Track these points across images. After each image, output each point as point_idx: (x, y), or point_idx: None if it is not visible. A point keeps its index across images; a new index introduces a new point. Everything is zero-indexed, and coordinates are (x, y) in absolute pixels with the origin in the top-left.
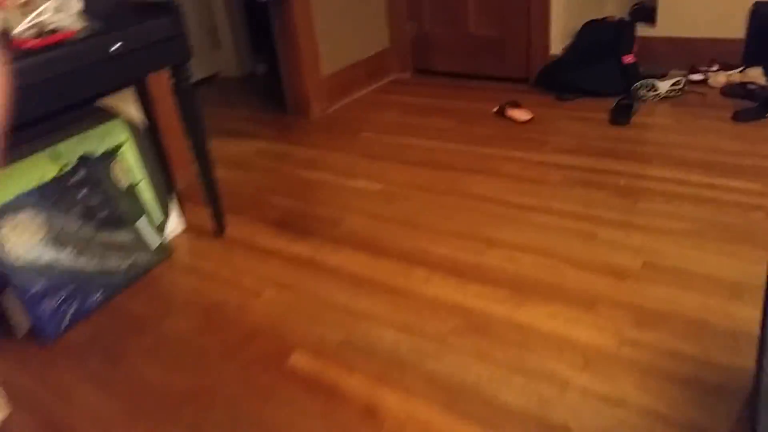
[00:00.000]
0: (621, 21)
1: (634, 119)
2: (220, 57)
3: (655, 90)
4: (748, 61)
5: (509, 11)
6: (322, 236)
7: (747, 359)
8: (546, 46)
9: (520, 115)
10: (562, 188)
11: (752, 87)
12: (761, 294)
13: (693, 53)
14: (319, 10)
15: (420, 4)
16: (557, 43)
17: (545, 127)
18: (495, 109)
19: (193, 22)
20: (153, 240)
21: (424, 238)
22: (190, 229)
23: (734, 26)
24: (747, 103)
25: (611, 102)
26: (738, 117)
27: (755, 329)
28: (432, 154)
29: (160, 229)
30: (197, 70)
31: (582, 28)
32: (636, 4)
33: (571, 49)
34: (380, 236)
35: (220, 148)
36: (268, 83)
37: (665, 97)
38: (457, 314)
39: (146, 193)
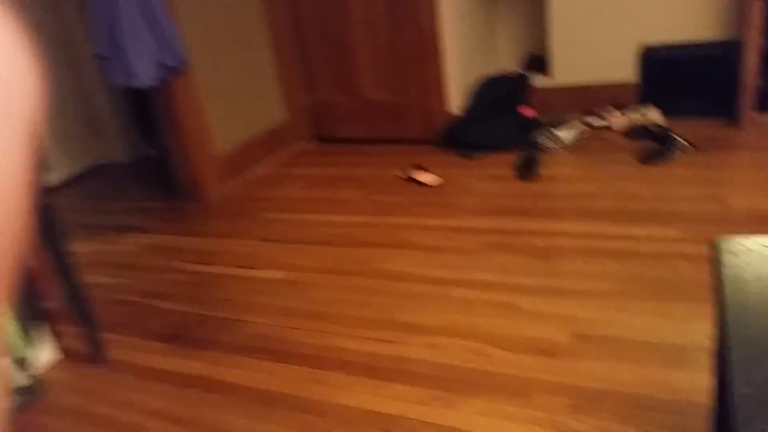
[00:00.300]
0: (515, 74)
1: (542, 172)
2: (105, 144)
3: (557, 139)
4: (643, 104)
5: (404, 73)
6: (219, 347)
7: None
8: (445, 105)
9: (428, 179)
10: (478, 256)
11: (654, 128)
12: (700, 356)
13: (589, 99)
14: (206, 88)
15: (313, 72)
16: (456, 101)
17: (453, 188)
18: (404, 176)
19: (72, 109)
20: (14, 381)
21: (336, 332)
22: (67, 355)
23: (626, 70)
24: (650, 144)
25: (516, 156)
26: (644, 159)
27: (700, 399)
28: (340, 230)
29: (24, 365)
30: (77, 162)
31: (479, 85)
32: (529, 56)
33: (471, 107)
34: (287, 337)
35: (101, 248)
36: (159, 168)
37: (569, 146)
38: (380, 427)
39: (7, 325)
